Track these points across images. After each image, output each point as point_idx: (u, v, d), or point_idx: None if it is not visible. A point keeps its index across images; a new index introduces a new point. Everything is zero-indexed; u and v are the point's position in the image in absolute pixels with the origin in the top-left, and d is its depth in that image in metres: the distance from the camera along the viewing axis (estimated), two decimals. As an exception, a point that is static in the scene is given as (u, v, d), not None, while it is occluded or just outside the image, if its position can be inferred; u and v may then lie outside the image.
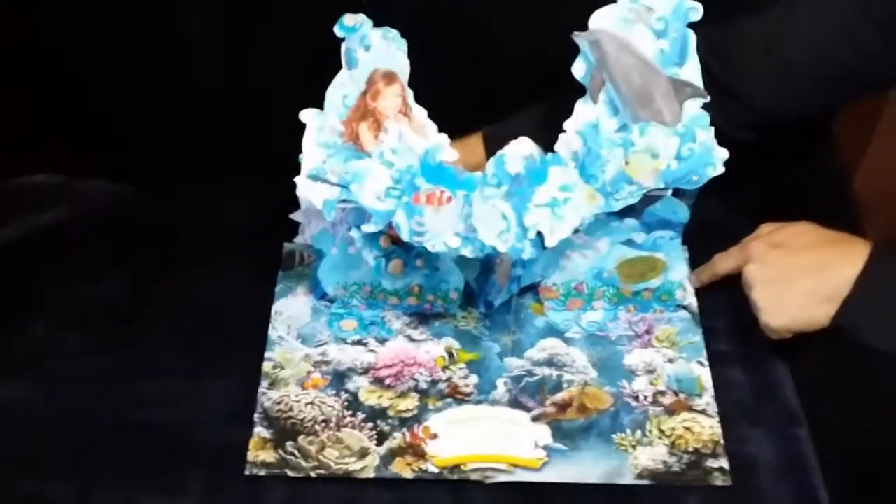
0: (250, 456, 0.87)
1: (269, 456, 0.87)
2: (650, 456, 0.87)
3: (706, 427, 0.89)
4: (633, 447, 0.88)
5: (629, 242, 0.94)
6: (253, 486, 0.85)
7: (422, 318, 0.98)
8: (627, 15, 0.86)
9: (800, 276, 0.88)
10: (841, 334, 0.86)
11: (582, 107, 0.88)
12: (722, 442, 0.88)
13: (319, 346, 0.96)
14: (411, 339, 0.96)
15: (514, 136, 0.98)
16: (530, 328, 0.97)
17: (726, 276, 0.95)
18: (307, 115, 0.86)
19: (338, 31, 0.87)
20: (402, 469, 0.86)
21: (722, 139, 0.86)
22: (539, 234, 0.82)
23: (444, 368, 0.94)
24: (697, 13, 0.86)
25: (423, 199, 0.84)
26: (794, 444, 0.88)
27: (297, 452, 0.87)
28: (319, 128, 0.86)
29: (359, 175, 0.84)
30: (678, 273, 0.96)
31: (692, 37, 0.87)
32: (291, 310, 0.99)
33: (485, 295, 0.99)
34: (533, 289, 0.99)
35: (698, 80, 0.87)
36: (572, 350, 0.95)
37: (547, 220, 0.81)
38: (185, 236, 1.07)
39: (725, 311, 0.98)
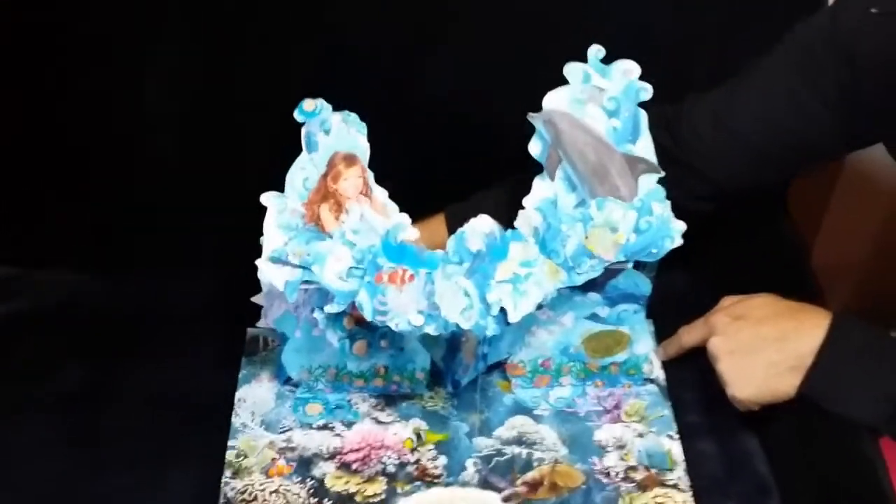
0: (214, 548, 0.87)
1: (233, 548, 0.87)
2: (623, 535, 0.88)
3: (679, 502, 0.90)
4: (606, 526, 0.89)
5: (594, 317, 0.96)
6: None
7: (389, 399, 0.99)
8: (580, 95, 0.91)
9: (763, 348, 0.90)
10: (807, 403, 0.88)
11: (539, 183, 0.91)
12: (695, 517, 0.89)
13: (284, 431, 0.96)
14: (378, 422, 0.97)
15: (475, 214, 1.01)
16: (498, 406, 0.99)
17: (692, 349, 0.98)
18: (268, 198, 0.89)
19: (297, 116, 0.91)
20: (371, 556, 0.86)
21: (680, 212, 0.90)
22: (502, 310, 0.84)
23: (413, 450, 0.94)
24: (647, 93, 0.90)
25: (386, 278, 0.86)
26: (766, 515, 0.89)
27: (262, 543, 0.87)
28: (280, 210, 0.89)
29: (320, 256, 0.86)
30: (644, 346, 0.98)
31: (643, 115, 0.91)
32: (255, 396, 0.99)
33: (452, 374, 1.00)
34: (500, 366, 1.01)
35: (652, 156, 0.91)
36: (541, 427, 0.96)
37: (509, 296, 0.84)
38: (146, 324, 1.08)
39: (693, 383, 1.00)
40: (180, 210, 1.13)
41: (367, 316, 0.86)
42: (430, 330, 0.85)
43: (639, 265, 0.92)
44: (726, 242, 1.11)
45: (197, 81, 1.08)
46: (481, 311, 0.84)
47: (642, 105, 0.91)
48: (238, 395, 0.99)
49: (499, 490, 0.91)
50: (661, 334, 1.03)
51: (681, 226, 0.88)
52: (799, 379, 0.88)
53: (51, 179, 1.12)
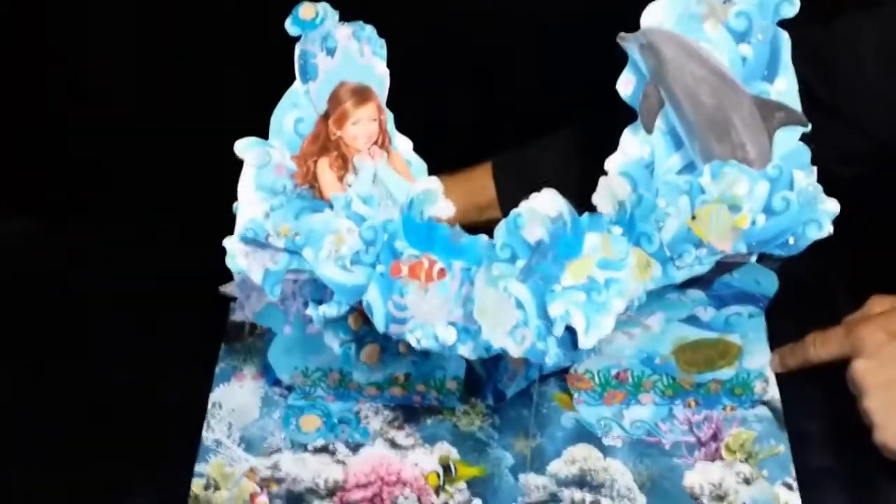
0: None
1: None
2: None
3: (799, 583, 0.68)
4: None
5: (692, 320, 0.73)
6: None
7: (409, 413, 0.78)
8: (695, 8, 0.65)
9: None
10: None
11: (630, 138, 0.67)
12: None
13: (270, 454, 0.75)
14: (394, 445, 0.76)
15: (534, 169, 0.77)
16: (555, 429, 0.77)
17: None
18: (244, 147, 0.65)
19: (290, 27, 0.66)
20: None
21: (824, 179, 0.65)
22: (569, 329, 0.60)
23: (438, 490, 0.73)
24: (793, 7, 0.65)
25: (405, 270, 0.63)
26: None
27: None
28: (261, 165, 0.65)
29: (315, 234, 0.63)
30: (758, 359, 0.75)
31: (786, 39, 0.65)
32: (235, 400, 0.78)
33: (494, 383, 0.78)
34: (559, 375, 0.78)
35: (795, 101, 0.65)
36: (612, 463, 0.74)
37: (580, 310, 0.60)
38: (94, 302, 0.86)
39: (820, 410, 0.77)
40: (142, 161, 0.90)
41: (378, 325, 0.63)
42: (465, 351, 0.62)
43: (763, 256, 0.68)
44: (867, 212, 0.85)
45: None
46: (539, 331, 0.60)
47: (784, 25, 0.65)
48: (213, 397, 0.78)
49: (553, 553, 0.70)
50: (773, 337, 0.78)
51: (832, 206, 0.63)
52: None
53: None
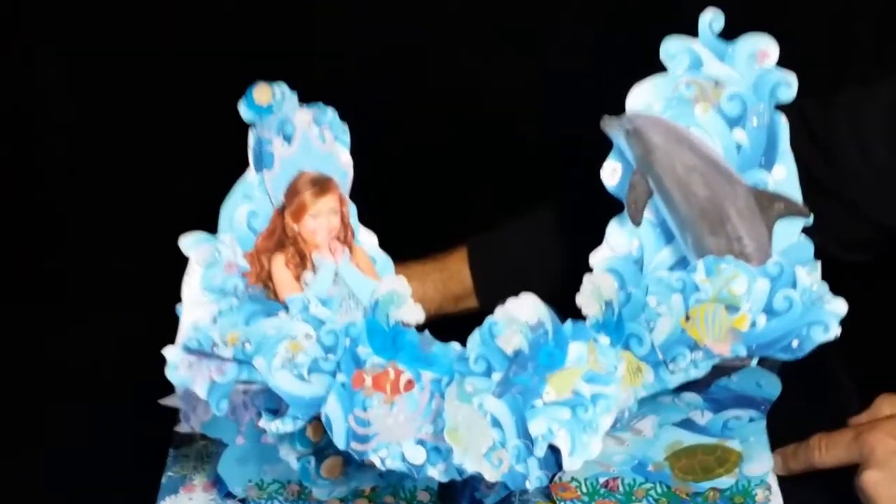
0: None
1: None
2: None
3: None
4: None
5: (688, 423, 0.68)
6: None
7: None
8: (684, 91, 0.61)
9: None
10: None
11: (616, 231, 0.63)
12: None
13: (220, 587, 0.69)
14: (358, 569, 0.70)
15: (512, 255, 0.73)
16: (539, 545, 0.72)
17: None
18: (190, 243, 0.61)
19: (244, 111, 0.62)
20: None
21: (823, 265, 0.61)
22: (553, 449, 0.55)
23: None
24: (790, 90, 0.61)
25: (369, 381, 0.58)
26: None
27: None
28: (209, 264, 0.60)
29: (268, 342, 0.58)
30: (760, 466, 0.70)
31: (784, 124, 0.61)
32: (183, 516, 0.73)
33: (471, 492, 0.73)
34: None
35: (796, 191, 0.61)
36: (602, 588, 0.69)
37: (565, 428, 0.55)
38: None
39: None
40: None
41: (339, 442, 0.58)
42: (436, 473, 0.57)
43: (764, 359, 0.64)
44: (868, 292, 0.81)
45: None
46: (519, 451, 0.55)
47: (782, 108, 0.61)
48: (157, 513, 0.73)
49: None
50: (772, 432, 0.74)
51: (840, 307, 0.59)
52: None
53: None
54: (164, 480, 0.75)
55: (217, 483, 0.74)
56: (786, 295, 0.60)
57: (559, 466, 0.56)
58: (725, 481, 0.71)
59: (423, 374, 0.58)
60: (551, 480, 0.71)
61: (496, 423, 0.55)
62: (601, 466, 0.71)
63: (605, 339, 0.57)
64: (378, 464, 0.58)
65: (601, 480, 0.71)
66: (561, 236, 0.76)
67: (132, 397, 0.76)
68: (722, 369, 0.64)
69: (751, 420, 0.69)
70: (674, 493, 0.72)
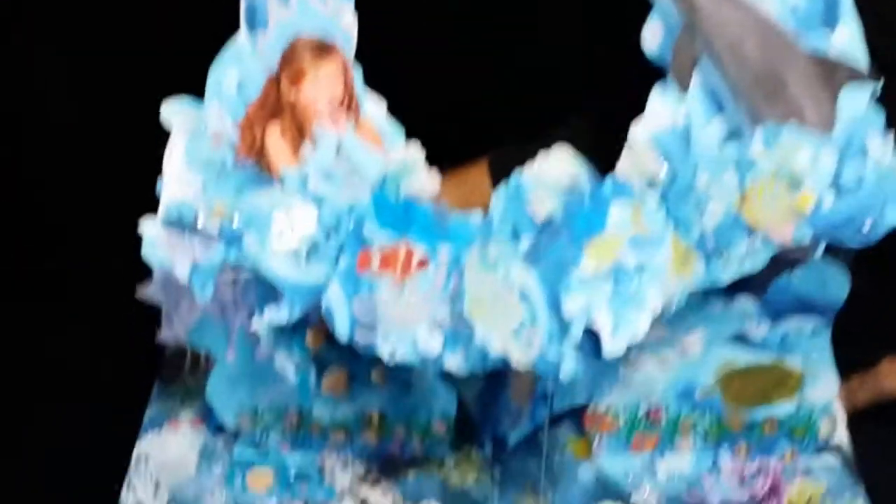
0: None
1: None
2: None
3: None
4: None
5: (741, 339, 0.61)
6: None
7: (386, 465, 0.65)
8: (735, -56, 0.55)
9: None
10: None
11: (659, 99, 0.55)
12: None
13: (207, 522, 0.62)
14: (365, 506, 0.62)
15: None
16: (570, 484, 0.64)
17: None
18: (173, 110, 0.54)
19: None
20: None
21: None
22: (590, 333, 0.48)
23: (422, 565, 0.60)
24: (856, -58, 0.55)
25: (376, 262, 0.51)
26: None
27: None
28: (195, 135, 0.54)
29: (260, 218, 0.51)
30: (824, 390, 0.62)
31: (847, -15, 0.55)
32: (166, 453, 0.65)
33: (492, 426, 0.65)
34: (574, 415, 0.65)
35: (861, 55, 0.54)
36: (645, 527, 0.61)
37: (606, 305, 0.47)
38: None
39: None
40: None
41: (341, 332, 0.50)
42: (454, 364, 0.49)
43: (830, 249, 0.56)
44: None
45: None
46: (552, 333, 0.48)
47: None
48: (138, 449, 0.65)
49: None
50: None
51: (922, 177, 0.52)
52: None
53: None
54: (147, 417, 0.68)
55: (206, 417, 0.67)
56: (855, 169, 0.53)
57: (599, 353, 0.49)
58: (784, 409, 0.63)
59: (440, 249, 0.50)
60: (584, 409, 0.64)
61: (525, 297, 0.48)
62: (641, 393, 0.63)
63: (653, 197, 0.50)
64: (386, 356, 0.50)
65: (641, 410, 0.63)
66: (586, 148, 0.70)
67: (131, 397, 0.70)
68: (781, 262, 0.57)
69: (813, 333, 0.61)
70: (724, 427, 0.64)
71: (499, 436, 0.66)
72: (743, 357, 0.62)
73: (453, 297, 0.50)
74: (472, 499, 0.63)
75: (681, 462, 0.65)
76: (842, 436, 0.66)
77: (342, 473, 0.64)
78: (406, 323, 0.50)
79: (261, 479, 0.64)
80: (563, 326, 0.48)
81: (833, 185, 0.53)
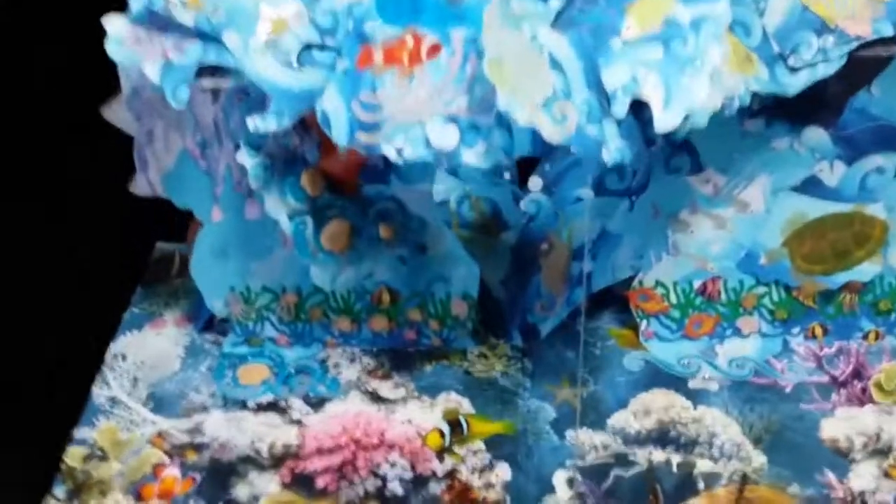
0: None
1: None
2: None
3: None
4: None
5: (812, 185, 0.51)
6: None
7: (399, 358, 0.55)
8: None
9: None
10: None
11: None
12: None
13: (190, 414, 0.53)
14: (376, 398, 0.53)
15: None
16: (615, 373, 0.54)
17: None
18: None
19: None
20: None
21: None
22: (638, 105, 0.39)
23: (443, 452, 0.50)
24: None
25: (380, 56, 0.43)
26: None
27: None
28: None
29: (244, 14, 0.44)
30: (912, 251, 0.53)
31: None
32: (145, 351, 0.56)
33: (522, 314, 0.56)
34: (616, 303, 0.56)
35: None
36: (708, 412, 0.51)
37: (656, 72, 0.39)
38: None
39: None
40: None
41: (339, 136, 0.42)
42: (472, 157, 0.41)
43: (916, 60, 0.48)
44: None
45: None
46: (591, 108, 0.39)
47: None
48: (114, 346, 0.56)
49: (626, 534, 0.46)
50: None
51: None
52: None
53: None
54: (126, 317, 0.59)
55: (193, 317, 0.59)
56: None
57: (648, 135, 0.40)
58: (867, 270, 0.54)
59: (454, 33, 0.42)
60: (629, 286, 0.55)
61: (557, 65, 0.39)
62: (695, 262, 0.54)
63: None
64: (393, 155, 0.42)
65: (696, 283, 0.54)
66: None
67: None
68: (858, 67, 0.48)
69: None
70: (796, 301, 0.55)
71: (529, 325, 0.57)
72: (815, 208, 0.52)
73: (471, 84, 0.41)
74: (500, 388, 0.54)
75: (744, 347, 0.55)
76: (933, 314, 0.57)
77: (349, 367, 0.55)
78: (415, 117, 0.42)
79: (254, 373, 0.55)
80: (604, 100, 0.40)
81: (917, -33, 0.46)
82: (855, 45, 0.47)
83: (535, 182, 0.58)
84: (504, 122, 0.42)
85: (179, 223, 0.61)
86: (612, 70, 0.40)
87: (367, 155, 0.43)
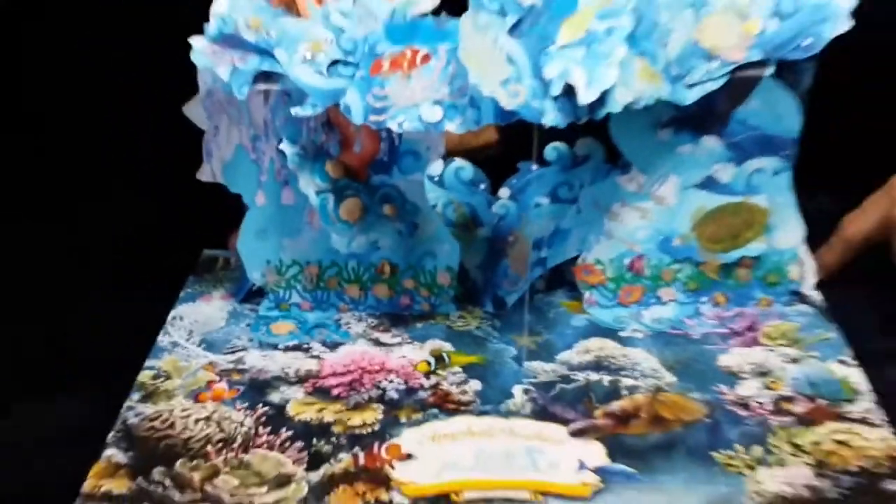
0: (87, 486, 0.54)
1: (119, 485, 0.54)
2: (784, 479, 0.53)
3: (873, 439, 0.56)
4: (751, 468, 0.54)
5: (711, 184, 0.66)
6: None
7: (397, 318, 0.69)
8: None
9: None
10: None
11: (627, -35, 0.65)
12: (906, 459, 0.55)
13: (233, 352, 0.65)
14: (379, 343, 0.66)
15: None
16: (564, 328, 0.67)
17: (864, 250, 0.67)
18: (220, -24, 0.63)
19: None
20: (348, 501, 0.53)
21: None
22: (569, 89, 0.54)
23: (429, 374, 0.63)
24: None
25: (387, 65, 0.58)
26: None
27: (167, 481, 0.54)
28: (237, -10, 0.63)
29: (289, 37, 0.59)
30: (790, 234, 0.67)
31: None
32: (198, 314, 0.70)
33: (493, 290, 0.70)
34: (566, 283, 0.70)
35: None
36: (632, 351, 0.64)
37: (580, 64, 0.55)
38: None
39: (871, 303, 0.68)
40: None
41: (356, 118, 0.57)
42: (454, 127, 0.56)
43: (782, 75, 0.63)
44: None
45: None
46: (535, 90, 0.55)
47: None
48: (174, 312, 0.70)
49: (566, 423, 0.58)
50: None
51: (848, 1, 0.60)
52: None
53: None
54: (181, 295, 0.73)
55: (235, 293, 0.72)
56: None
57: (575, 109, 0.55)
58: (755, 248, 0.67)
59: (440, 46, 0.58)
60: (575, 262, 0.69)
61: (511, 60, 0.55)
62: (625, 244, 0.68)
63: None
64: (395, 128, 0.56)
65: (626, 261, 0.68)
66: None
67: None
68: (738, 86, 0.64)
69: (775, 173, 0.66)
70: (703, 275, 0.68)
71: (498, 297, 0.70)
72: (713, 200, 0.66)
73: (451, 79, 0.57)
74: (474, 336, 0.66)
75: (665, 311, 0.68)
76: (812, 290, 0.70)
77: (357, 324, 0.68)
78: (411, 102, 0.57)
79: (283, 327, 0.68)
80: (544, 85, 0.55)
81: (775, 12, 0.62)
82: (733, 67, 0.63)
83: (504, 192, 0.74)
84: (475, 103, 0.57)
85: (221, 236, 0.76)
86: (550, 66, 0.56)
87: (377, 129, 0.58)
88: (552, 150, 0.71)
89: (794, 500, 0.52)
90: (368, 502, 0.52)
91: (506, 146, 0.78)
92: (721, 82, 0.61)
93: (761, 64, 0.61)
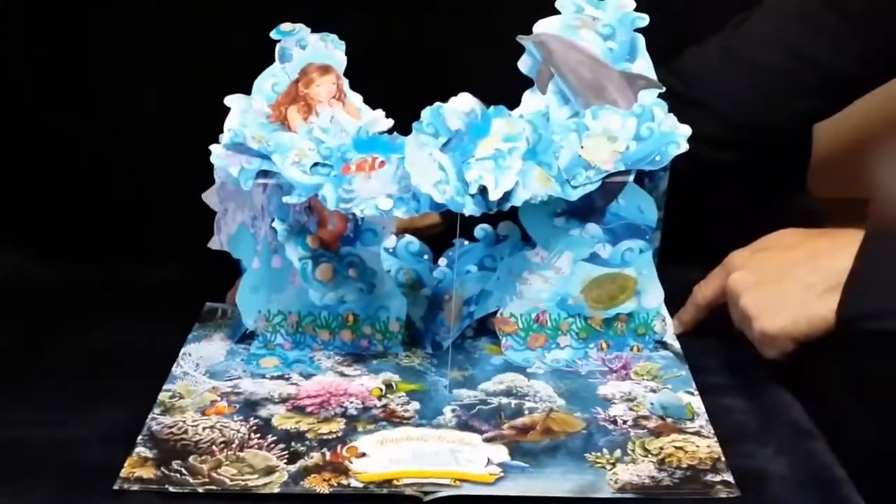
0: (124, 472, 0.70)
1: (147, 472, 0.70)
2: (634, 472, 0.70)
3: (702, 446, 0.73)
4: (612, 465, 0.71)
5: (595, 258, 0.84)
6: (119, 501, 0.68)
7: (357, 357, 0.85)
8: (572, 22, 0.85)
9: (794, 271, 0.77)
10: (847, 328, 0.74)
11: (529, 97, 0.83)
12: (723, 459, 0.71)
13: (231, 380, 0.81)
14: (343, 375, 0.82)
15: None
16: (485, 365, 0.84)
17: (712, 311, 0.85)
18: (233, 99, 0.81)
19: (274, 34, 0.85)
20: (318, 485, 0.68)
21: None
22: (483, 189, 0.73)
23: (381, 397, 0.79)
24: (643, 20, 0.85)
25: (354, 167, 0.76)
26: (811, 457, 0.71)
27: (183, 470, 0.70)
28: (244, 110, 0.80)
29: (283, 146, 0.77)
30: (653, 297, 0.85)
31: (641, 39, 0.85)
32: (203, 351, 0.86)
33: (432, 335, 0.87)
34: (489, 333, 0.87)
35: (651, 74, 0.83)
36: (535, 383, 0.81)
37: (490, 173, 0.73)
38: (90, 305, 0.97)
39: (716, 351, 0.85)
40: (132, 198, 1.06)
41: (330, 204, 0.75)
42: (401, 213, 0.74)
43: (642, 183, 0.81)
44: (743, 234, 0.99)
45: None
46: (458, 189, 0.73)
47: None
48: (184, 350, 0.86)
49: (481, 432, 0.74)
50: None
51: (685, 130, 0.79)
52: (836, 300, 0.74)
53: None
54: (189, 337, 0.89)
55: (231, 336, 0.88)
56: (648, 126, 0.79)
57: (487, 204, 0.73)
58: (628, 307, 0.85)
59: (392, 156, 0.76)
60: (495, 315, 0.86)
61: (441, 167, 0.73)
62: (533, 303, 0.85)
63: (516, 113, 0.76)
64: (359, 213, 0.74)
65: (533, 315, 0.85)
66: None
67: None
68: (610, 189, 0.82)
69: (641, 251, 0.83)
70: (590, 326, 0.86)
71: (436, 341, 0.87)
72: (596, 271, 0.84)
73: (400, 179, 0.74)
74: (417, 370, 0.83)
75: (562, 354, 0.85)
76: (672, 339, 0.87)
77: (327, 360, 0.85)
78: (371, 195, 0.74)
79: (269, 362, 0.84)
80: (465, 186, 0.73)
81: (635, 137, 0.80)
82: (605, 174, 0.81)
83: (442, 261, 0.91)
84: (416, 197, 0.74)
85: (222, 290, 0.93)
86: (469, 172, 0.73)
87: (346, 213, 0.75)
88: (480, 230, 0.89)
89: (639, 486, 0.69)
90: (333, 486, 0.69)
91: (445, 227, 0.96)
92: (597, 185, 0.80)
93: (626, 172, 0.80)
